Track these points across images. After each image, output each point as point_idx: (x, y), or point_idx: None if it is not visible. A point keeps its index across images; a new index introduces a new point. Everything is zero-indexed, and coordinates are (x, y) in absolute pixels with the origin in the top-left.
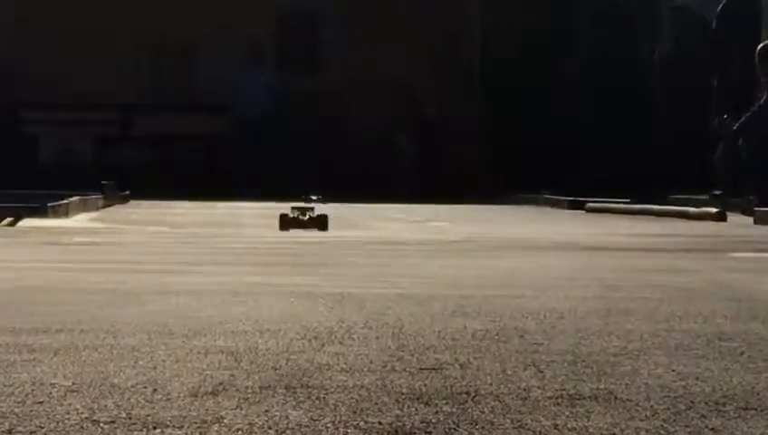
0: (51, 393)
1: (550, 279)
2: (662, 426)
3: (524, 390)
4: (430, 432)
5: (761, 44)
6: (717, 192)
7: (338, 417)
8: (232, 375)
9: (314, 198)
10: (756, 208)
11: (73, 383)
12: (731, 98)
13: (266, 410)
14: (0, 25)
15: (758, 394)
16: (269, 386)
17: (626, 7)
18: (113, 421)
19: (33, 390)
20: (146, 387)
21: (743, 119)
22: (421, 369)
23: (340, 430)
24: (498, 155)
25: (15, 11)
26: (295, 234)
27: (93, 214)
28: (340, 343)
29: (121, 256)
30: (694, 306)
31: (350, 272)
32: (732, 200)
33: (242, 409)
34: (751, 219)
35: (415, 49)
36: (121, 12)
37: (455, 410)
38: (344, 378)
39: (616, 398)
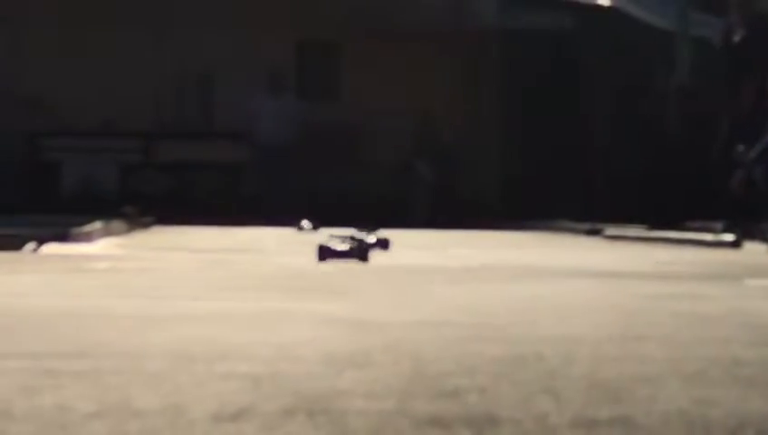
0: (74, 418)
1: (567, 306)
2: None
3: (542, 415)
4: None
5: None
6: (730, 220)
7: None
8: (253, 400)
9: (363, 234)
10: None
11: (97, 408)
12: (743, 126)
13: None
14: (22, 55)
15: None
16: (290, 411)
17: (643, 38)
18: None
19: (56, 414)
20: (168, 411)
21: (758, 147)
22: (440, 394)
23: None
24: (516, 181)
25: (37, 41)
26: (312, 261)
27: (116, 240)
28: (360, 368)
29: (144, 282)
30: (710, 333)
31: (369, 298)
32: (746, 228)
33: (263, 433)
34: (766, 247)
35: (434, 77)
36: (143, 40)
37: (473, 434)
38: (364, 403)
39: (633, 423)
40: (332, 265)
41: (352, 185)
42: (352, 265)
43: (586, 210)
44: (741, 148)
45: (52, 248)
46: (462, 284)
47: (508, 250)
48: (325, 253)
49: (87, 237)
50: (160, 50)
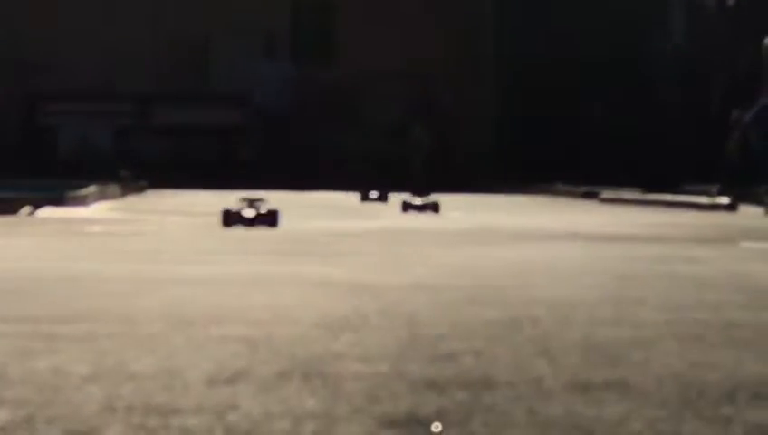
0: (69, 381)
1: (563, 269)
2: (674, 414)
3: (537, 378)
4: (445, 420)
5: None
6: (725, 183)
7: (353, 405)
8: (249, 363)
9: (426, 200)
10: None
11: (92, 371)
12: (739, 90)
13: (283, 398)
14: (19, 19)
15: None
16: (285, 374)
17: (638, 1)
18: (131, 409)
19: (51, 378)
20: (163, 375)
21: (754, 111)
22: (435, 357)
23: (356, 417)
24: (512, 145)
25: (34, 5)
26: (309, 225)
27: (111, 203)
28: (356, 331)
29: (138, 246)
30: (705, 296)
31: (365, 261)
32: (742, 191)
33: (258, 397)
34: (761, 210)
35: (430, 39)
36: (139, 4)
37: (469, 398)
38: (359, 366)
39: (628, 386)
40: None
41: (348, 147)
42: None
43: (582, 173)
44: (736, 111)
45: (47, 212)
46: (458, 247)
47: (504, 213)
48: None
49: (82, 201)
50: (158, 14)
